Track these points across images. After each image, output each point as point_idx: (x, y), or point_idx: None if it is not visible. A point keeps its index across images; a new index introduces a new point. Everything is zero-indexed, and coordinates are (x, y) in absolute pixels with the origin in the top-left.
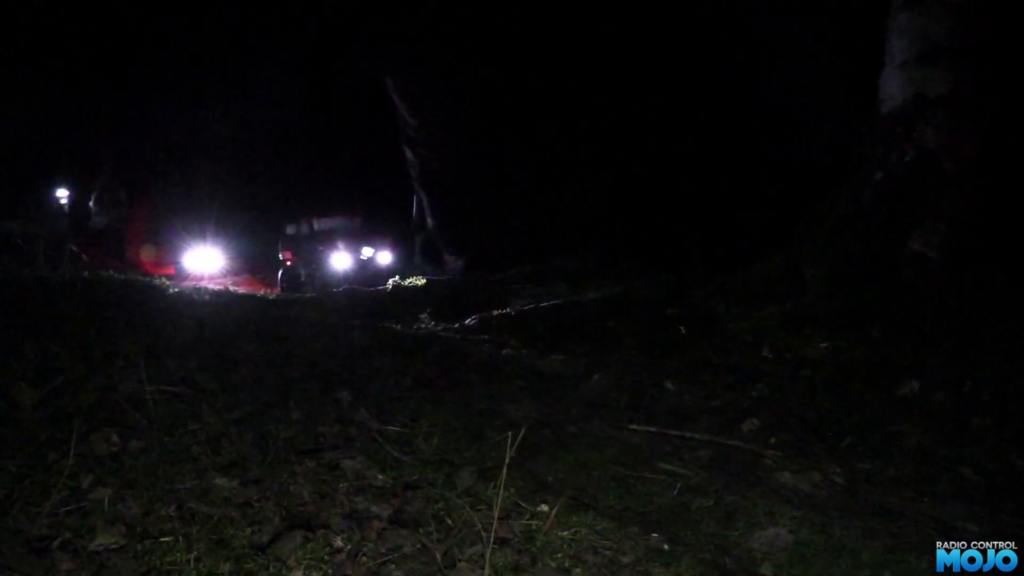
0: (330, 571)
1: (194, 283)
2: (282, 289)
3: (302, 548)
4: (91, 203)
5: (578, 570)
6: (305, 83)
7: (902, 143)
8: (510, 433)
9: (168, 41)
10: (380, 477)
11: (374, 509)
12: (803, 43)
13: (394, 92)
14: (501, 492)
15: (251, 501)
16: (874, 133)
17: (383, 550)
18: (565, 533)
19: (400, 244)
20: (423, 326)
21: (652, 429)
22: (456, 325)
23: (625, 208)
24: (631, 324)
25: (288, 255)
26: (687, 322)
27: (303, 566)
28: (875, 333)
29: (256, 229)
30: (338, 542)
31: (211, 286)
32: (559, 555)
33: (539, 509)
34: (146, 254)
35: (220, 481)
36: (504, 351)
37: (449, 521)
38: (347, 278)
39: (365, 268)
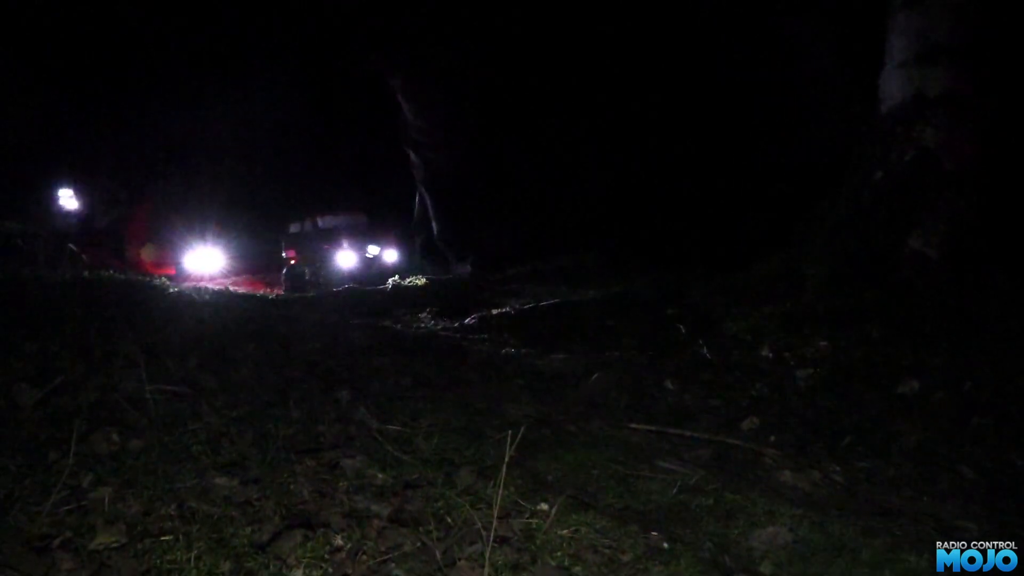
0: (330, 570)
1: (194, 283)
2: (286, 289)
3: (302, 547)
4: (91, 203)
5: (578, 568)
6: (306, 82)
7: (902, 142)
8: (510, 432)
9: (168, 41)
10: (380, 476)
11: (374, 508)
12: (803, 43)
13: (399, 93)
14: (501, 491)
15: (251, 500)
16: (874, 132)
17: (383, 549)
18: (565, 532)
19: (405, 243)
20: (423, 325)
21: (652, 428)
22: (456, 324)
23: (625, 208)
24: (631, 323)
25: (292, 254)
26: (687, 322)
27: (303, 565)
28: (875, 332)
29: (257, 229)
30: (338, 541)
31: (211, 286)
32: (559, 553)
33: (539, 508)
34: (147, 254)
35: (220, 480)
36: (504, 350)
37: (449, 520)
38: (352, 277)
39: (371, 267)
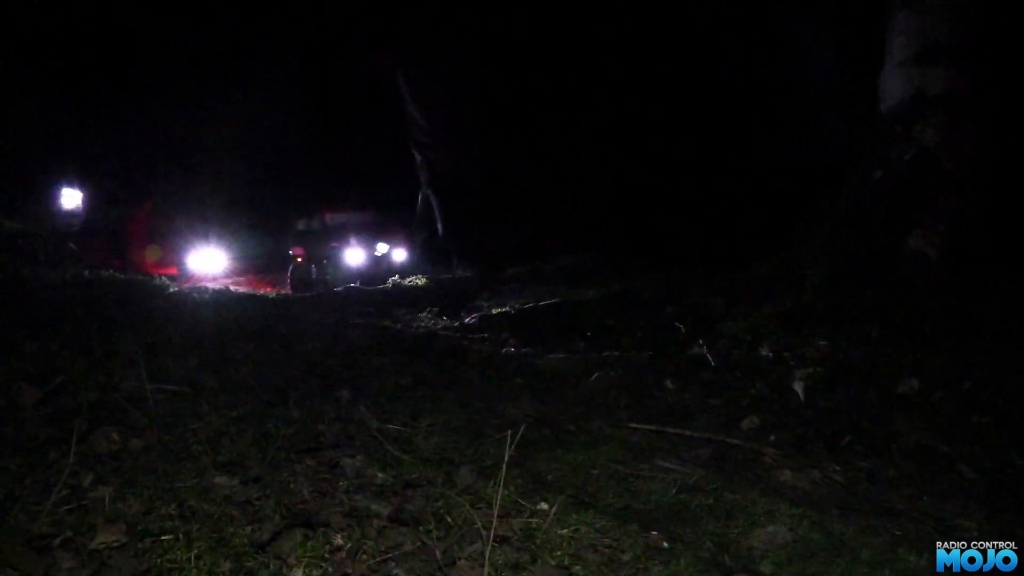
0: (330, 569)
1: (197, 283)
2: (292, 288)
3: (302, 546)
4: (92, 202)
5: (578, 568)
6: (307, 82)
7: (901, 142)
8: (509, 432)
9: (168, 41)
10: (380, 475)
11: (374, 507)
12: (803, 43)
13: (406, 93)
14: (501, 490)
15: (251, 499)
16: (874, 132)
17: (383, 548)
18: (565, 531)
19: (412, 240)
20: (423, 325)
21: (652, 427)
22: (456, 324)
23: (625, 208)
24: (631, 323)
25: (299, 252)
26: (687, 321)
27: (303, 564)
28: (874, 332)
29: (260, 228)
30: (338, 540)
31: (213, 286)
32: (559, 553)
33: (539, 507)
34: (150, 255)
35: (220, 479)
36: (504, 350)
37: (449, 519)
38: (361, 274)
39: (379, 264)
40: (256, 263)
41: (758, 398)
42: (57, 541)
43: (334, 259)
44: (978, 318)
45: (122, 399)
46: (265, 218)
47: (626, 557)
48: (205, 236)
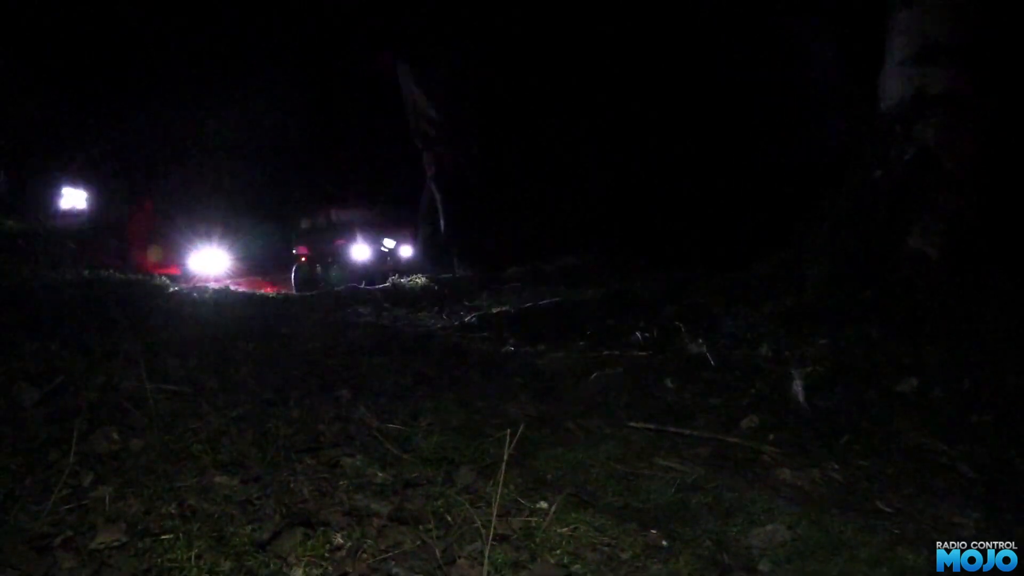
0: (330, 568)
1: (198, 284)
2: (296, 288)
3: (302, 545)
4: (92, 202)
5: (577, 566)
6: (307, 81)
7: (901, 141)
8: (509, 431)
9: (168, 41)
10: (380, 475)
11: (374, 506)
12: (803, 43)
13: (417, 87)
14: (500, 489)
15: (251, 499)
16: (873, 131)
17: (383, 547)
18: (564, 530)
19: (418, 237)
20: (423, 324)
21: (651, 426)
22: (456, 323)
23: (625, 208)
24: (631, 322)
25: (303, 250)
26: (687, 320)
27: (303, 563)
28: (874, 331)
29: (263, 228)
30: (338, 539)
31: (213, 286)
32: (558, 551)
33: (538, 506)
34: (151, 255)
35: (220, 479)
36: (504, 349)
37: (449, 518)
38: (367, 271)
39: (385, 260)
40: (259, 263)
41: (758, 397)
42: (57, 541)
43: (340, 257)
44: (978, 318)
45: (122, 399)
46: (267, 217)
47: (625, 555)
48: (207, 236)
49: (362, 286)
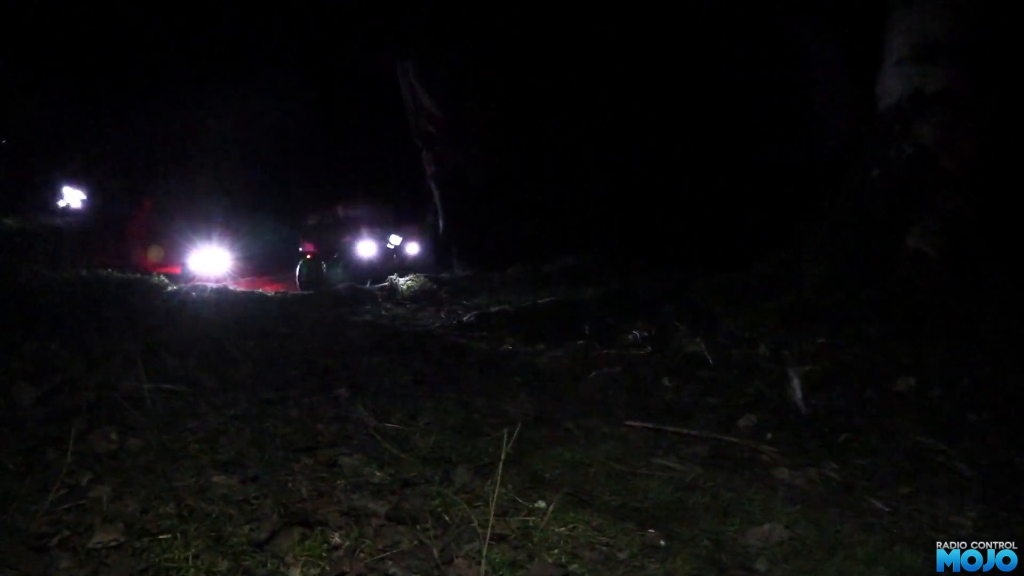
0: (328, 568)
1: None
2: (301, 286)
3: (300, 545)
4: (92, 201)
5: (574, 566)
6: (308, 80)
7: (900, 140)
8: (506, 430)
9: (168, 41)
10: (378, 474)
11: (372, 506)
12: (804, 43)
13: (417, 86)
14: (498, 489)
15: (249, 498)
16: (872, 130)
17: (380, 547)
18: (562, 529)
19: (426, 234)
20: (422, 323)
21: (649, 426)
22: (455, 322)
23: (625, 208)
24: (630, 322)
25: (309, 247)
26: (686, 319)
27: (301, 563)
28: (872, 330)
29: (264, 227)
30: (336, 539)
31: (213, 285)
32: (556, 551)
33: (536, 505)
34: (152, 254)
35: (218, 478)
36: (502, 348)
37: (446, 518)
38: (374, 268)
39: (391, 258)
40: (260, 262)
41: (756, 396)
42: (55, 540)
43: (346, 253)
44: (976, 316)
45: (121, 398)
46: (268, 217)
47: (623, 555)
48: (207, 235)
49: (368, 285)
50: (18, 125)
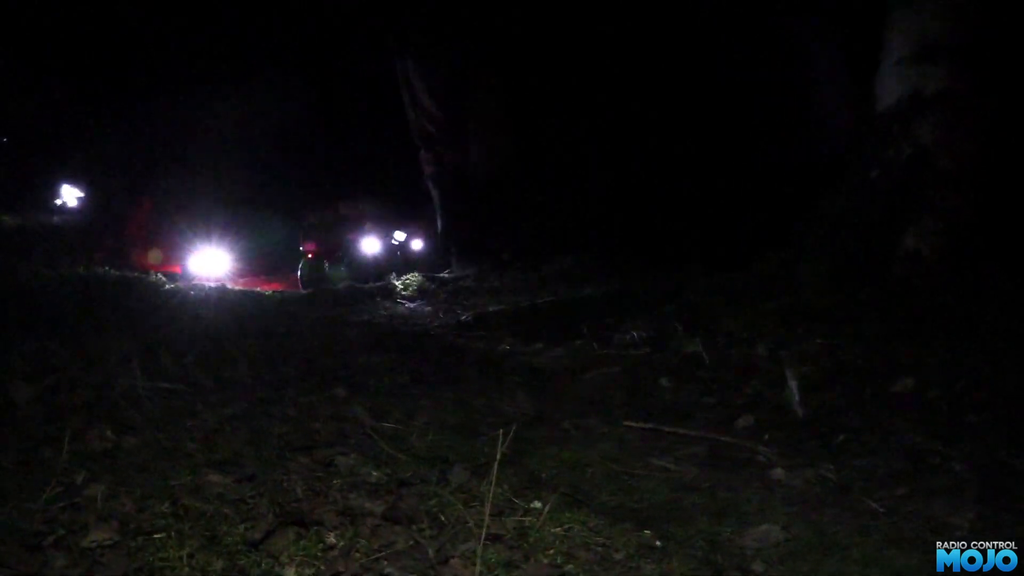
0: (323, 567)
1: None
2: (303, 286)
3: (295, 544)
4: (91, 200)
5: (570, 566)
6: (308, 78)
7: (898, 140)
8: (502, 430)
9: (168, 41)
10: (374, 474)
11: (367, 506)
12: (804, 43)
13: (418, 86)
14: (494, 489)
15: (245, 498)
16: (871, 131)
17: (376, 546)
18: (558, 529)
19: (431, 231)
20: (420, 323)
21: (647, 426)
22: (453, 321)
23: (625, 208)
24: (628, 321)
25: (311, 246)
26: (684, 319)
27: (296, 562)
28: (870, 330)
29: (265, 227)
30: (331, 538)
31: (212, 285)
32: (551, 551)
33: (532, 506)
34: (152, 254)
35: (214, 477)
36: (500, 347)
37: (442, 518)
38: (377, 264)
39: (396, 254)
40: (260, 262)
41: (753, 396)
42: (49, 539)
43: (350, 251)
44: (975, 317)
45: (117, 397)
46: (269, 217)
47: (619, 556)
48: (207, 235)
49: (372, 283)
50: (18, 124)
